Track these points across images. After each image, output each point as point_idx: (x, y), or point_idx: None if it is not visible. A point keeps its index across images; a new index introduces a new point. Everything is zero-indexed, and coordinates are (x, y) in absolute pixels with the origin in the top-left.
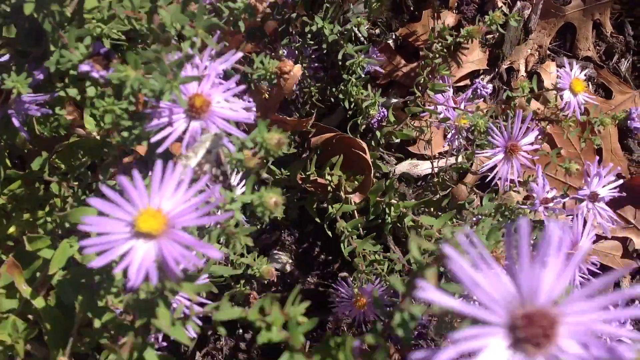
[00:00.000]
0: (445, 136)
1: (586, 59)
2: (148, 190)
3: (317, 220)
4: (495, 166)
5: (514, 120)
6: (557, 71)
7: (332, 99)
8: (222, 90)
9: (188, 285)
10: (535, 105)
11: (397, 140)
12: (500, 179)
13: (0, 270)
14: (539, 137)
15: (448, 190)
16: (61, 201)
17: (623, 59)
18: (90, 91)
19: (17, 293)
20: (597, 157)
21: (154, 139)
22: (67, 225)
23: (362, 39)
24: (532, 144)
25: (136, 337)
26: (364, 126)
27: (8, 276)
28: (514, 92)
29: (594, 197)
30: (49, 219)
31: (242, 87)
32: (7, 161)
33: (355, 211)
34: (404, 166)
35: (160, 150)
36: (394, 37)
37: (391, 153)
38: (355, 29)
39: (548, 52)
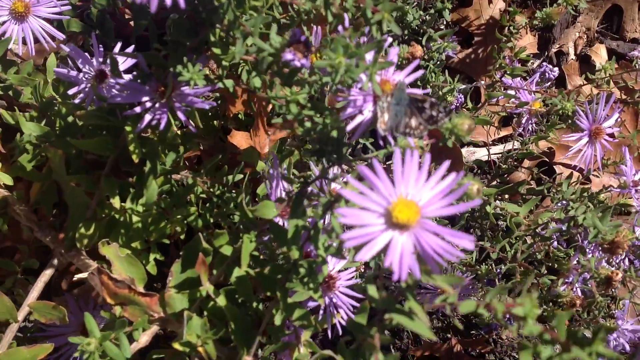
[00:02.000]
0: (500, 122)
1: (633, 41)
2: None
3: None
4: (579, 150)
5: (599, 102)
6: (637, 51)
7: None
8: (404, 76)
9: (441, 277)
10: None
11: None
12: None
13: (172, 269)
14: (618, 119)
15: (505, 176)
16: (195, 197)
17: None
18: (256, 82)
19: (189, 292)
20: None
21: (349, 127)
22: (249, 219)
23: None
24: (612, 126)
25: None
26: None
27: (179, 275)
28: (596, 73)
29: None
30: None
31: (422, 71)
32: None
33: None
34: (462, 153)
35: (354, 137)
36: (444, 22)
37: None
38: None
39: (596, 34)
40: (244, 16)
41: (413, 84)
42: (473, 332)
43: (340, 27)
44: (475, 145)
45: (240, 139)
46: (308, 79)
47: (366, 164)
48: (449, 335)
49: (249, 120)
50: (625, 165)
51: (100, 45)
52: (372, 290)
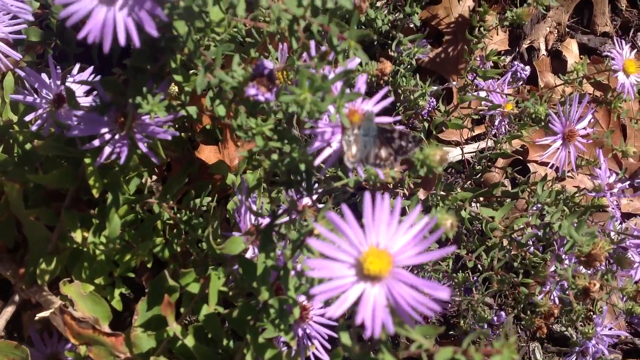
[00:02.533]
0: (473, 121)
1: (604, 35)
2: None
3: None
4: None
5: (572, 104)
6: (610, 52)
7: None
8: (373, 104)
9: (416, 329)
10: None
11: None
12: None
13: (137, 308)
14: (592, 120)
15: (479, 176)
16: (162, 224)
17: (639, 33)
18: (220, 110)
19: (156, 333)
20: None
21: (317, 161)
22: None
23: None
24: (585, 128)
25: None
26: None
27: (145, 313)
28: (567, 75)
29: None
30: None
31: (390, 99)
32: (126, 187)
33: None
34: None
35: (321, 174)
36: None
37: None
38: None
39: (566, 29)
40: (207, 40)
41: None
42: (451, 332)
43: (305, 55)
44: (449, 144)
45: (208, 154)
46: (274, 108)
47: (335, 209)
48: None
49: (218, 131)
50: (600, 168)
51: (59, 67)
52: (345, 338)
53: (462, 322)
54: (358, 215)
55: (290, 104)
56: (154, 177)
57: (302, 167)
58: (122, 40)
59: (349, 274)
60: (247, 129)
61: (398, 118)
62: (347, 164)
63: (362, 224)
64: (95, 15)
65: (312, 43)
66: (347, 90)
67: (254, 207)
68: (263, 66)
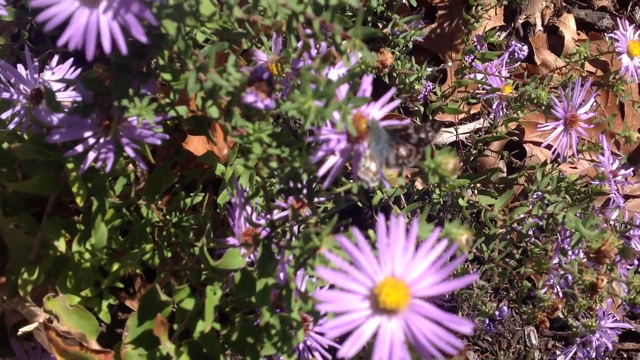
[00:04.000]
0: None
1: (601, 9)
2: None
3: (360, 205)
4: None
5: (574, 88)
6: (615, 33)
7: (375, 75)
8: (379, 107)
9: None
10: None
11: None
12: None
13: (128, 324)
14: (594, 104)
15: (473, 160)
16: (151, 227)
17: (637, 7)
18: (212, 112)
19: (148, 352)
20: None
21: (321, 172)
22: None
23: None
24: (587, 112)
25: None
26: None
27: (135, 329)
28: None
29: None
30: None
31: (396, 102)
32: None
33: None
34: None
35: (326, 184)
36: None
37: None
38: None
39: (563, 3)
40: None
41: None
42: None
43: (306, 55)
44: (444, 125)
45: (196, 145)
46: (272, 112)
47: (347, 234)
48: None
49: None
50: (603, 156)
51: (35, 60)
52: None
53: (460, 314)
54: (359, 224)
55: (293, 113)
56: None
57: (305, 177)
58: (107, 48)
59: (363, 307)
60: (244, 133)
61: (407, 120)
62: (372, 184)
63: (375, 249)
64: (76, 19)
65: (311, 41)
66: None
67: (249, 210)
68: (262, 70)
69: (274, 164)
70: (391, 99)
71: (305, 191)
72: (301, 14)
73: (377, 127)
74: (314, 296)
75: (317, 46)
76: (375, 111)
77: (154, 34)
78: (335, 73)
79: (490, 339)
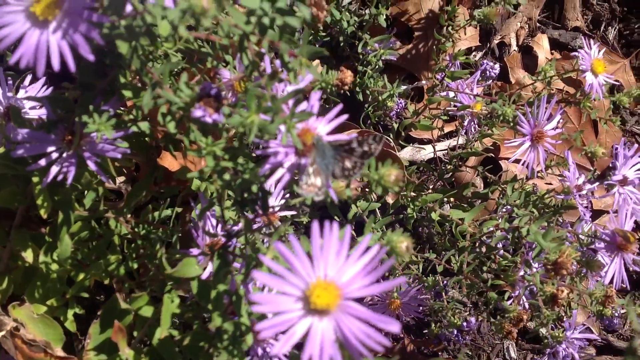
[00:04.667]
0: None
1: (575, 29)
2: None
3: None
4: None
5: (539, 105)
6: (578, 52)
7: (348, 93)
8: (327, 122)
9: None
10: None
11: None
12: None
13: (90, 331)
14: (561, 120)
15: (450, 175)
16: (119, 238)
17: (610, 27)
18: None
19: (109, 356)
20: (623, 138)
21: (269, 183)
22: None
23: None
24: (554, 128)
25: None
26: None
27: (98, 337)
28: (536, 75)
29: (623, 182)
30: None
31: (345, 116)
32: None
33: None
34: (408, 152)
35: (275, 194)
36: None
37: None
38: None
39: (537, 24)
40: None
41: None
42: (425, 331)
43: (256, 73)
44: (421, 142)
45: (170, 161)
46: (225, 126)
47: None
48: (401, 335)
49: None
50: (568, 171)
51: (9, 79)
52: None
53: (433, 325)
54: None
55: (238, 126)
56: (123, 179)
57: (255, 188)
58: (55, 65)
59: (296, 308)
60: (199, 147)
61: (354, 135)
62: (317, 198)
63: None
64: (27, 39)
65: (267, 59)
66: (303, 106)
67: (213, 221)
68: (210, 86)
69: (227, 176)
70: (339, 114)
71: (259, 203)
72: (252, 34)
73: (321, 143)
74: (250, 299)
75: (272, 64)
76: (322, 126)
77: (114, 54)
78: (292, 89)
79: (470, 353)
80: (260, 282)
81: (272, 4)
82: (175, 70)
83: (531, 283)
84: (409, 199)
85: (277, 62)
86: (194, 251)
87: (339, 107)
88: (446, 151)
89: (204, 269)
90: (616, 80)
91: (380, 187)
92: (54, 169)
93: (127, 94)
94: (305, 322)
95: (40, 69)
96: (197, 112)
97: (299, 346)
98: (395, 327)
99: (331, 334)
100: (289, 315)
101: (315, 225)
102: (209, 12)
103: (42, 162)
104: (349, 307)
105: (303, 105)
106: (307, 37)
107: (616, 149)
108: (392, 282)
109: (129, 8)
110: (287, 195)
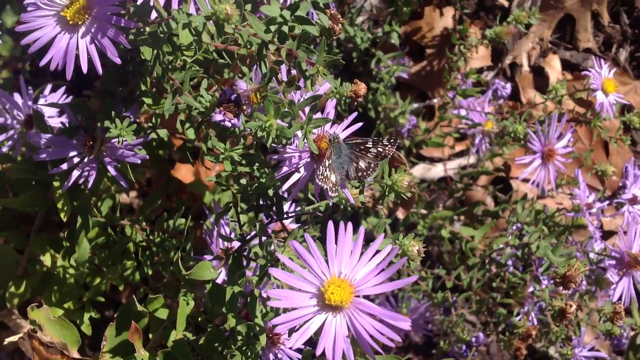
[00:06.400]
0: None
1: (586, 51)
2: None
3: None
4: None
5: (550, 123)
6: (589, 71)
7: (361, 109)
8: (342, 129)
9: (380, 358)
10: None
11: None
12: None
13: (106, 334)
14: (571, 139)
15: (461, 194)
16: (134, 245)
17: (621, 49)
18: (189, 133)
19: (125, 358)
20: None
21: (285, 187)
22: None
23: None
24: (565, 146)
25: None
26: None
27: (113, 339)
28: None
29: (634, 200)
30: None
31: (360, 124)
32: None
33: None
34: (419, 170)
35: (290, 198)
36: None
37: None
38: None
39: (549, 44)
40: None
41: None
42: (434, 351)
43: (272, 83)
44: (432, 160)
45: (185, 173)
46: (244, 132)
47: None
48: (410, 356)
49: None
50: (579, 189)
51: (30, 88)
52: None
53: (442, 342)
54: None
55: (257, 130)
56: (135, 193)
57: (271, 192)
58: (84, 68)
59: (311, 304)
60: (217, 153)
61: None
62: (332, 194)
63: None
64: (57, 42)
65: (284, 67)
66: (318, 115)
67: (227, 229)
68: (230, 92)
69: (244, 181)
70: (354, 121)
71: (274, 208)
72: (270, 43)
73: (338, 141)
74: (268, 294)
75: (288, 74)
76: (339, 133)
77: (136, 61)
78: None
79: None
80: (277, 279)
81: (292, 12)
82: (194, 80)
83: (540, 299)
84: (420, 215)
85: (294, 71)
86: (208, 257)
87: (354, 114)
88: (457, 170)
89: (219, 273)
90: (627, 102)
91: (394, 193)
92: (75, 173)
93: (148, 101)
94: (320, 317)
95: (69, 71)
96: (217, 117)
97: (311, 344)
98: (405, 323)
99: (344, 329)
100: (305, 311)
101: (330, 225)
102: (233, 19)
103: (64, 166)
104: (362, 304)
105: (318, 114)
106: (323, 46)
107: (626, 167)
108: (404, 280)
109: (153, 15)
110: (299, 208)
